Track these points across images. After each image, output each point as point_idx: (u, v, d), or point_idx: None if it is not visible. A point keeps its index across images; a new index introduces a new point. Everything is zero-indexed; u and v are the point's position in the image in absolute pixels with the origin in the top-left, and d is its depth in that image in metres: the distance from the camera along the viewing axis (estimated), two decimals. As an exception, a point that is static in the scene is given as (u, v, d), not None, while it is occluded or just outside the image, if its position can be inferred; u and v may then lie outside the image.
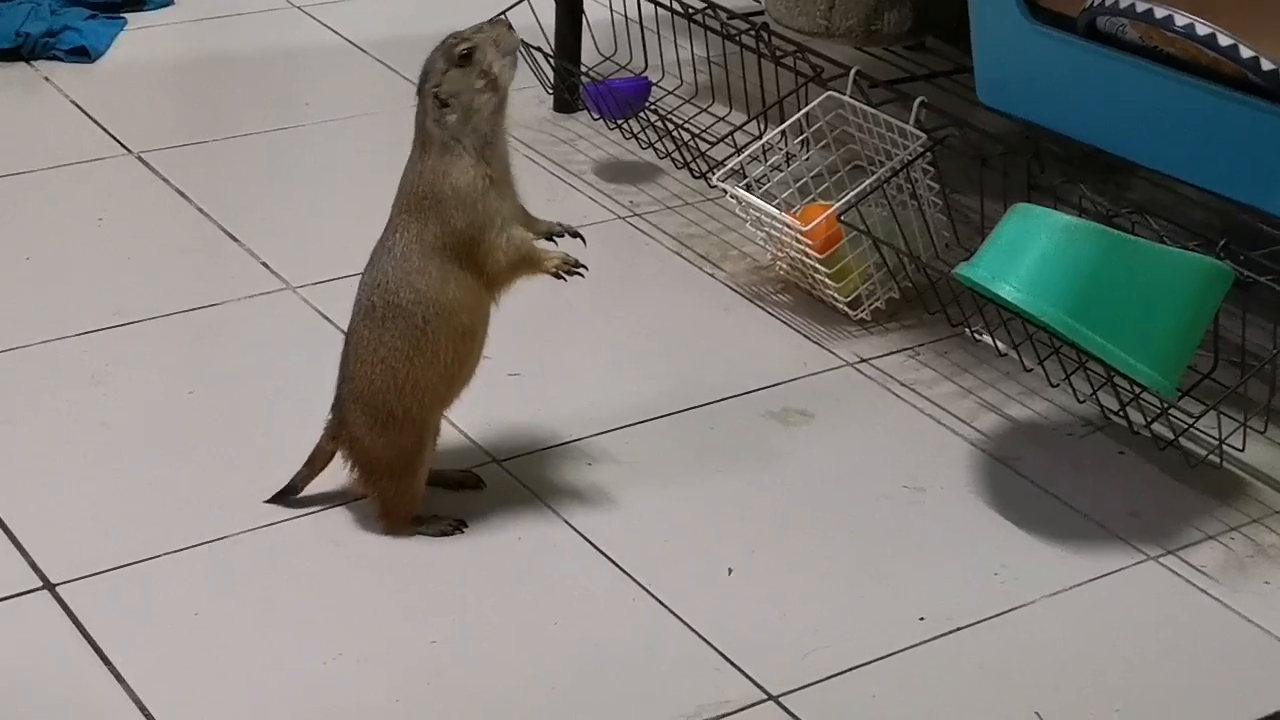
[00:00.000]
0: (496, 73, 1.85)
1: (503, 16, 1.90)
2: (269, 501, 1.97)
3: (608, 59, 2.84)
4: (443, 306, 1.86)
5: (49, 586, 1.85)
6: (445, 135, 1.84)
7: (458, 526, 1.95)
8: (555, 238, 1.91)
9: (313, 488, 1.98)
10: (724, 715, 1.73)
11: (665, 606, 1.86)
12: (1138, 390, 2.07)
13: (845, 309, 2.35)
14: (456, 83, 1.84)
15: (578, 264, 1.90)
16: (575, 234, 1.92)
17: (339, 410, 1.93)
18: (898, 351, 2.31)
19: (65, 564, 1.88)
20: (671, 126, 2.62)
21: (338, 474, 2.02)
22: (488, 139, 1.85)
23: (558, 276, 1.90)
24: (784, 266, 2.43)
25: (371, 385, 1.88)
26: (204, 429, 2.10)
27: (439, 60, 1.85)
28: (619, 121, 2.69)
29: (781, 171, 2.46)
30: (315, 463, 1.96)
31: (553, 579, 1.90)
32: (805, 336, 2.34)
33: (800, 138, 2.45)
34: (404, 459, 1.91)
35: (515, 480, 2.04)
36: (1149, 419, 2.08)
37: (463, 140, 1.84)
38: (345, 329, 2.24)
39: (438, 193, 1.85)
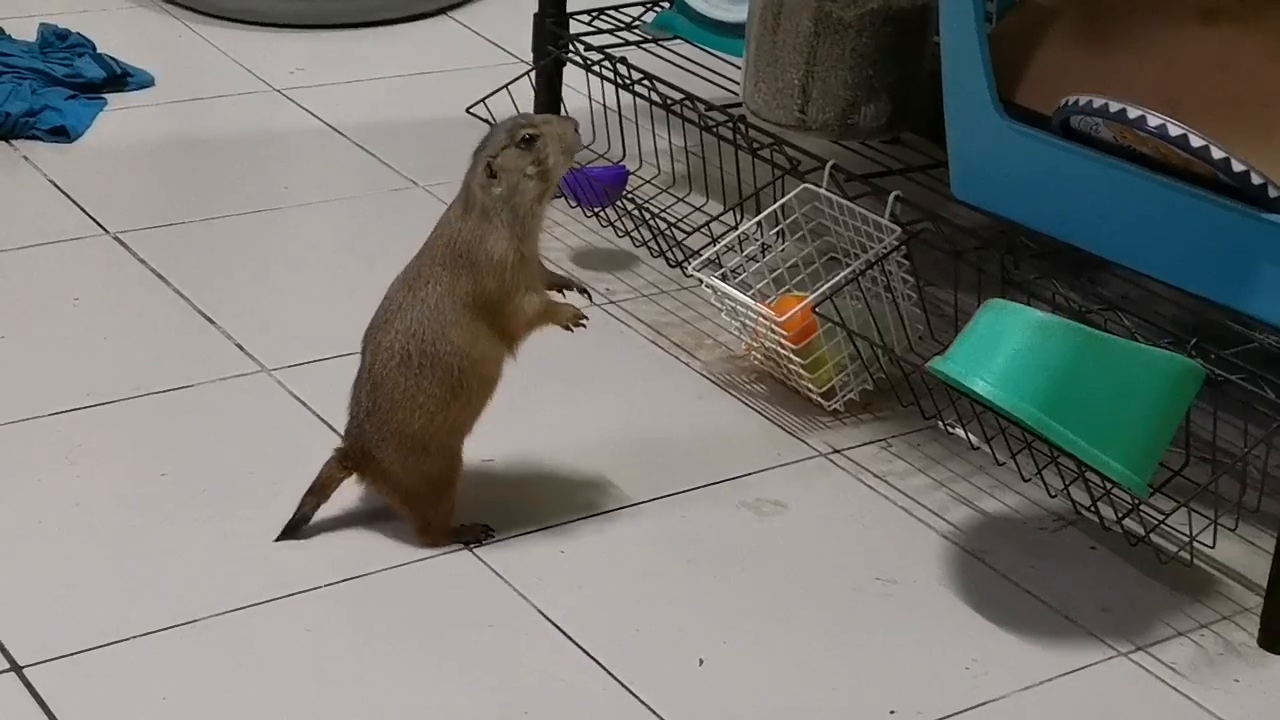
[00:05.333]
0: (550, 165, 1.96)
1: (572, 118, 2.02)
2: (279, 539, 2.02)
3: (586, 147, 2.86)
4: (473, 358, 1.97)
5: (16, 668, 1.84)
6: (487, 202, 1.95)
7: (487, 533, 2.06)
8: (564, 290, 2.06)
9: (282, 577, 1.98)
10: (694, 807, 1.73)
11: (636, 697, 1.86)
12: (1109, 486, 2.08)
13: (819, 400, 2.36)
14: (511, 160, 1.95)
15: (583, 317, 2.04)
16: (583, 290, 2.10)
17: (359, 442, 2.01)
18: (871, 443, 2.32)
19: (33, 646, 1.86)
20: (648, 215, 2.63)
21: (309, 560, 2.02)
22: (524, 219, 1.96)
23: (568, 329, 2.04)
24: (758, 356, 2.44)
25: (408, 427, 1.98)
26: (176, 511, 2.09)
27: (501, 134, 1.97)
28: (596, 209, 2.70)
29: (757, 262, 2.47)
30: (324, 490, 2.03)
31: (523, 667, 1.90)
32: (779, 427, 2.34)
33: (776, 229, 2.47)
34: (439, 483, 2.02)
35: (487, 567, 2.03)
36: (1120, 515, 2.08)
37: (501, 214, 1.95)
38: (317, 411, 2.25)
39: (472, 254, 1.96)
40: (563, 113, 2.80)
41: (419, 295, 1.97)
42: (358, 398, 2.02)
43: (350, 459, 2.02)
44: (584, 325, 2.04)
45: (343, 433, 2.05)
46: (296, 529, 2.03)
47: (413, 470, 2.00)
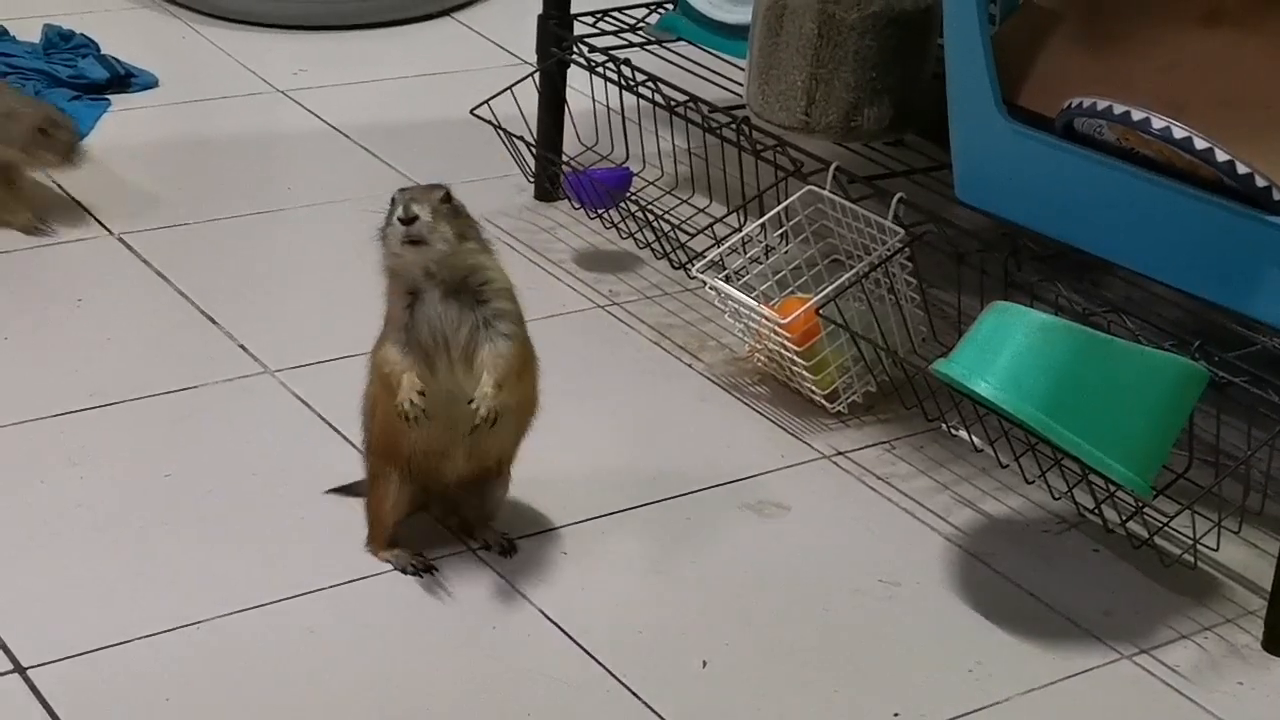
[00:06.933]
0: (395, 251, 1.90)
1: (441, 190, 1.91)
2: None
3: (589, 149, 2.86)
4: (378, 386, 1.98)
5: (20, 670, 1.84)
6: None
7: (421, 569, 2.02)
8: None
9: (286, 578, 1.98)
10: (697, 810, 1.73)
11: (639, 698, 1.86)
12: (1113, 488, 2.08)
13: (822, 402, 2.36)
14: (386, 226, 1.92)
15: (423, 412, 1.89)
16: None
17: None
18: (874, 445, 2.32)
19: (38, 647, 1.87)
20: (652, 217, 2.63)
21: (312, 562, 2.02)
22: (399, 277, 1.92)
23: (399, 411, 1.90)
24: (762, 358, 2.44)
25: (365, 414, 2.04)
26: (180, 512, 2.10)
27: (398, 201, 1.91)
28: (600, 211, 2.70)
29: (761, 264, 2.47)
30: None
31: (527, 669, 1.90)
32: (782, 429, 2.34)
33: (780, 231, 2.47)
34: (372, 479, 2.03)
35: (490, 569, 2.03)
36: (1124, 517, 2.08)
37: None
38: (321, 413, 2.26)
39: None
40: (566, 114, 2.80)
41: None
42: None
43: None
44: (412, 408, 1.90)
45: None
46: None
47: (366, 456, 2.05)
